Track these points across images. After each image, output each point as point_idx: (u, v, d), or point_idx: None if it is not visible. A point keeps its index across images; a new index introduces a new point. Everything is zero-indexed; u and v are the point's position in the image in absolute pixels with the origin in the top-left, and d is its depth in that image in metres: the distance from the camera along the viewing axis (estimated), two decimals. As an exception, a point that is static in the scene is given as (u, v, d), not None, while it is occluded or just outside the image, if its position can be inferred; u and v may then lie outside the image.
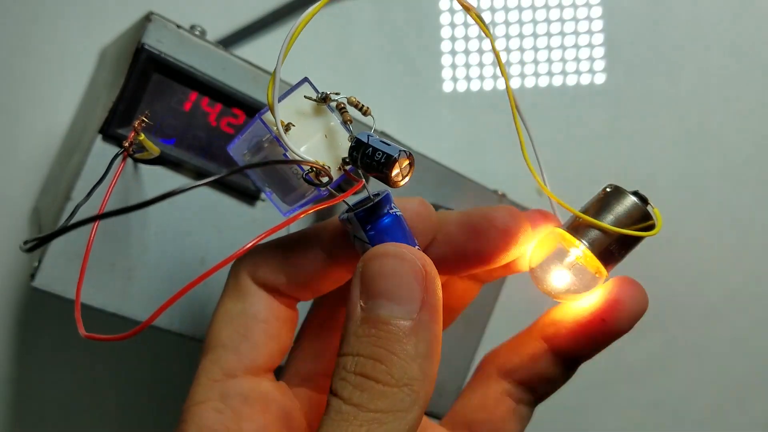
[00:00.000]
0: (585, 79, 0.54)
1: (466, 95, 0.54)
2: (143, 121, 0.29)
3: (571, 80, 0.54)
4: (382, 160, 0.23)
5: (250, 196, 0.33)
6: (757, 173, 0.55)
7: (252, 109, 0.33)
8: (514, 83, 0.54)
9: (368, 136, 0.24)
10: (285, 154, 0.24)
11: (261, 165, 0.24)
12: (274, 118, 0.23)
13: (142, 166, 0.31)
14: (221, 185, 0.33)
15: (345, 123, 0.25)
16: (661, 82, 0.55)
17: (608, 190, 0.27)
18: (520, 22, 0.54)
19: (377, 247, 0.24)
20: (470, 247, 0.27)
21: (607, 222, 0.26)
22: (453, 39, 0.54)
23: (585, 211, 0.27)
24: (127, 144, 0.29)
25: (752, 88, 0.55)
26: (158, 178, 0.32)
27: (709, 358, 0.54)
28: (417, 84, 0.54)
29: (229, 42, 0.51)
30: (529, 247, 0.27)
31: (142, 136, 0.29)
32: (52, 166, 0.48)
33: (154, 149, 0.29)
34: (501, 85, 0.54)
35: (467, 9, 0.26)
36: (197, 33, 0.32)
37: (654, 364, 0.53)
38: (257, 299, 0.26)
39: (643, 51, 0.55)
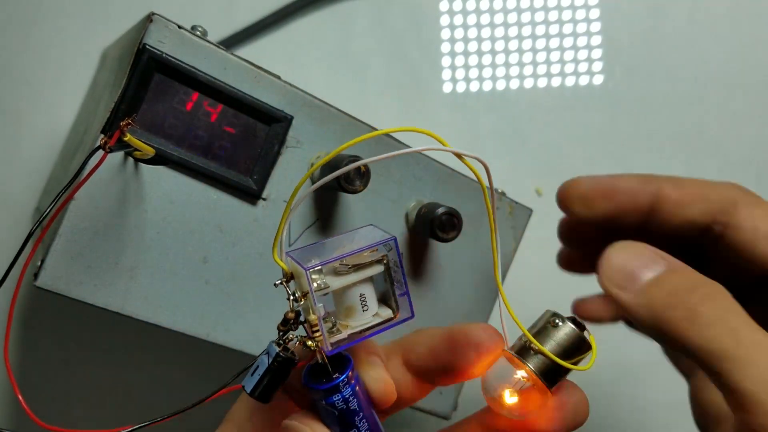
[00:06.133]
0: (583, 80, 0.55)
1: (466, 96, 0.54)
2: (129, 123, 0.28)
3: (570, 81, 0.55)
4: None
5: (252, 196, 0.33)
6: (754, 173, 0.55)
7: (254, 110, 0.33)
8: (513, 84, 0.54)
9: (271, 355, 0.27)
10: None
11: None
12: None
13: (143, 166, 0.31)
14: (222, 185, 0.33)
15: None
16: (659, 82, 0.55)
17: (557, 322, 0.29)
18: (519, 24, 0.55)
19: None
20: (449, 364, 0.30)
21: (548, 348, 0.29)
22: (453, 40, 0.54)
23: (535, 335, 0.29)
24: (102, 142, 0.28)
25: (749, 89, 0.55)
26: (159, 178, 0.32)
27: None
28: (417, 85, 0.54)
29: (231, 43, 0.52)
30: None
31: (128, 136, 0.28)
32: (54, 166, 0.49)
33: (146, 149, 0.29)
34: (500, 86, 0.54)
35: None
36: (198, 33, 0.32)
37: (654, 364, 0.54)
38: None
39: (641, 52, 0.55)
